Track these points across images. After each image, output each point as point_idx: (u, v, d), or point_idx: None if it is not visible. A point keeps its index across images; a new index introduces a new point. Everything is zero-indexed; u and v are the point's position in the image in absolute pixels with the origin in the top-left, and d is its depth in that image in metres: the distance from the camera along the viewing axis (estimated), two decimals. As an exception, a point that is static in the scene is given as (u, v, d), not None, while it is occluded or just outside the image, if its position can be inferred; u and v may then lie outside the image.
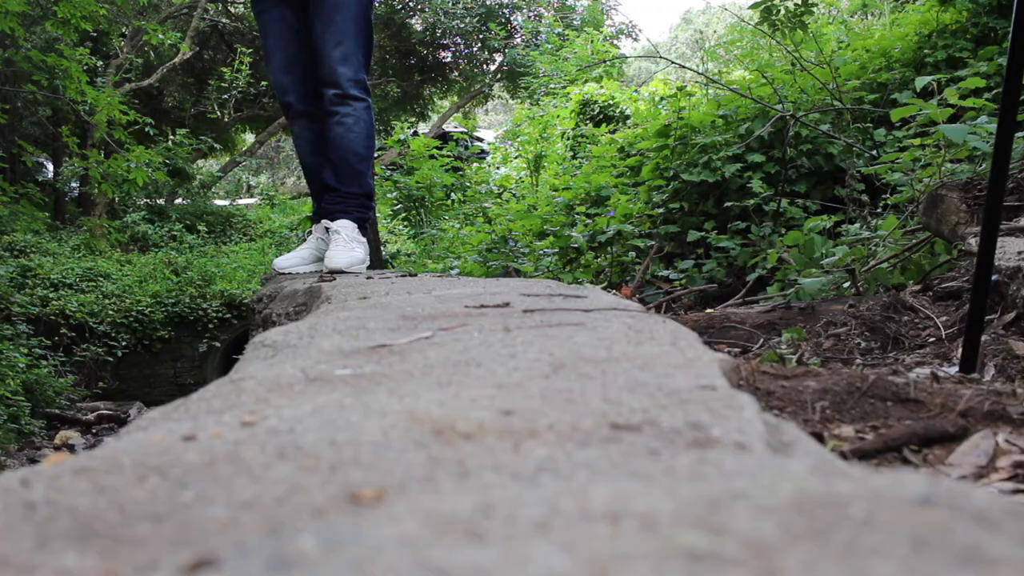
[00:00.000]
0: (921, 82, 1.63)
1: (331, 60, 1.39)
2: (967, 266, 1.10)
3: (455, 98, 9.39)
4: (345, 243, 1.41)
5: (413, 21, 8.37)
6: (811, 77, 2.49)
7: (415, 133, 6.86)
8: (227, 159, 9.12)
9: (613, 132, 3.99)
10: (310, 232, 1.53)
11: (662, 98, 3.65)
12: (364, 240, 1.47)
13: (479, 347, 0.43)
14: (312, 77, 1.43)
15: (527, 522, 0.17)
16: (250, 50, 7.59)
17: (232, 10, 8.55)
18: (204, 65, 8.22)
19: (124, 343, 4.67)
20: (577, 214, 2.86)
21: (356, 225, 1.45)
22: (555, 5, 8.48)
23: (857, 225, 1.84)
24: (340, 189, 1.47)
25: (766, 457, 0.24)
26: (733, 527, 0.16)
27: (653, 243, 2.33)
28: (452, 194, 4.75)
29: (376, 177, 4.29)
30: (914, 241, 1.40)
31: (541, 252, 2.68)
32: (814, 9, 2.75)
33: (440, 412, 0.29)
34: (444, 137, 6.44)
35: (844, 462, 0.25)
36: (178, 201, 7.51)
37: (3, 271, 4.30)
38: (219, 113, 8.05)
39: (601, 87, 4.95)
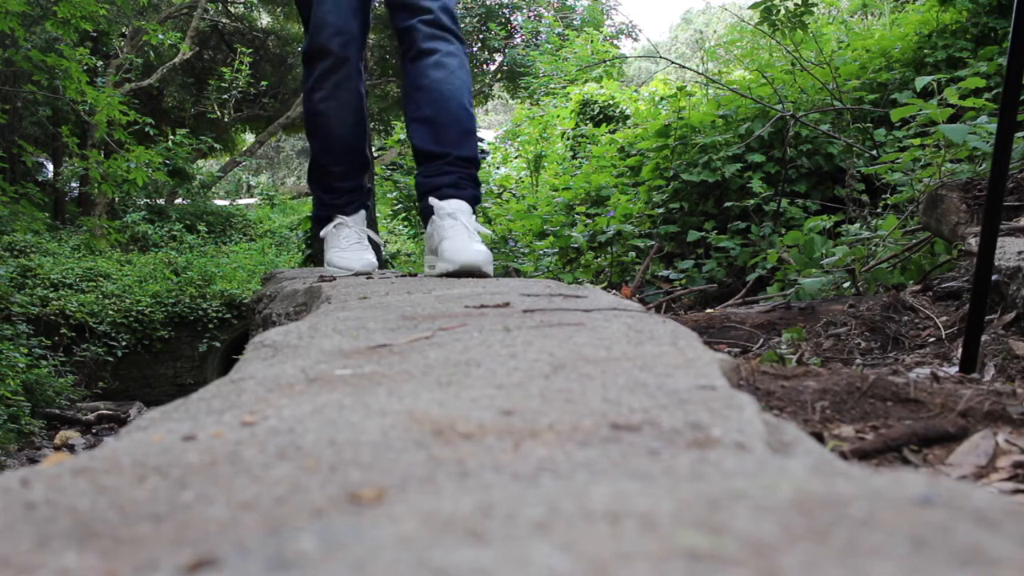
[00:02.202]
0: (921, 82, 1.63)
1: None
2: (967, 266, 1.10)
3: (454, 98, 9.34)
4: (470, 233, 0.97)
5: (413, 21, 8.35)
6: (811, 77, 2.49)
7: (415, 133, 6.82)
8: (227, 159, 9.13)
9: (613, 132, 4.00)
10: (339, 225, 1.11)
11: (662, 98, 3.65)
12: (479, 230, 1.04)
13: (479, 347, 0.43)
14: (365, 32, 1.07)
15: (527, 522, 0.17)
16: (250, 50, 7.60)
17: (232, 10, 8.55)
18: (204, 65, 8.22)
19: (124, 343, 4.68)
20: (577, 214, 2.87)
21: (472, 209, 1.02)
22: (555, 5, 8.48)
23: (857, 225, 1.84)
24: (449, 154, 1.03)
25: (766, 457, 0.24)
26: (733, 527, 0.16)
27: (653, 243, 2.33)
28: (452, 194, 4.74)
29: (376, 177, 4.28)
30: (914, 241, 1.40)
31: (541, 252, 2.68)
32: (814, 9, 2.75)
33: (440, 412, 0.29)
34: (444, 137, 6.41)
35: (844, 462, 0.25)
36: (178, 201, 7.51)
37: (3, 271, 4.30)
38: (219, 113, 8.06)
39: (601, 87, 4.95)
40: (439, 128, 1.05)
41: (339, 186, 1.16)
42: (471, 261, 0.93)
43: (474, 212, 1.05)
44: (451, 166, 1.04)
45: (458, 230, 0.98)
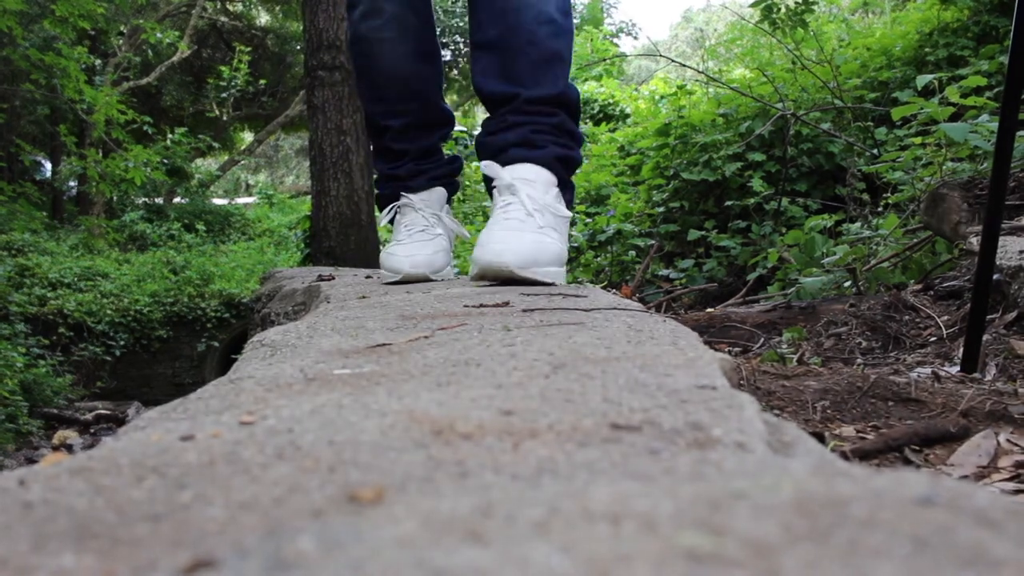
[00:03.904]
0: (922, 80, 1.63)
1: None
2: (968, 265, 1.10)
3: (455, 96, 9.39)
4: (525, 216, 0.66)
5: (412, 19, 8.34)
6: (812, 75, 2.49)
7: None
8: (226, 158, 9.12)
9: (613, 131, 4.00)
10: (403, 207, 0.78)
11: (662, 96, 3.65)
12: (567, 215, 0.70)
13: (479, 347, 0.43)
14: None
15: (527, 523, 0.17)
16: (248, 48, 7.58)
17: (230, 8, 8.54)
18: (202, 64, 8.21)
19: (122, 342, 4.68)
20: (577, 213, 2.87)
21: (555, 179, 0.70)
22: (555, 3, 8.44)
23: (858, 224, 1.84)
24: (517, 95, 0.70)
25: (767, 457, 0.24)
26: (734, 527, 0.16)
27: (653, 242, 2.33)
28: (452, 193, 4.73)
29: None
30: (915, 240, 1.40)
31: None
32: (815, 7, 2.75)
33: (439, 412, 0.29)
34: (444, 136, 6.40)
35: (845, 462, 0.24)
36: (176, 200, 7.51)
37: (1, 270, 4.30)
38: (218, 112, 8.05)
39: (601, 85, 4.95)
40: (507, 56, 0.69)
41: (397, 148, 0.80)
42: (492, 262, 0.63)
43: (564, 183, 0.69)
44: (519, 114, 0.69)
45: (514, 212, 0.65)
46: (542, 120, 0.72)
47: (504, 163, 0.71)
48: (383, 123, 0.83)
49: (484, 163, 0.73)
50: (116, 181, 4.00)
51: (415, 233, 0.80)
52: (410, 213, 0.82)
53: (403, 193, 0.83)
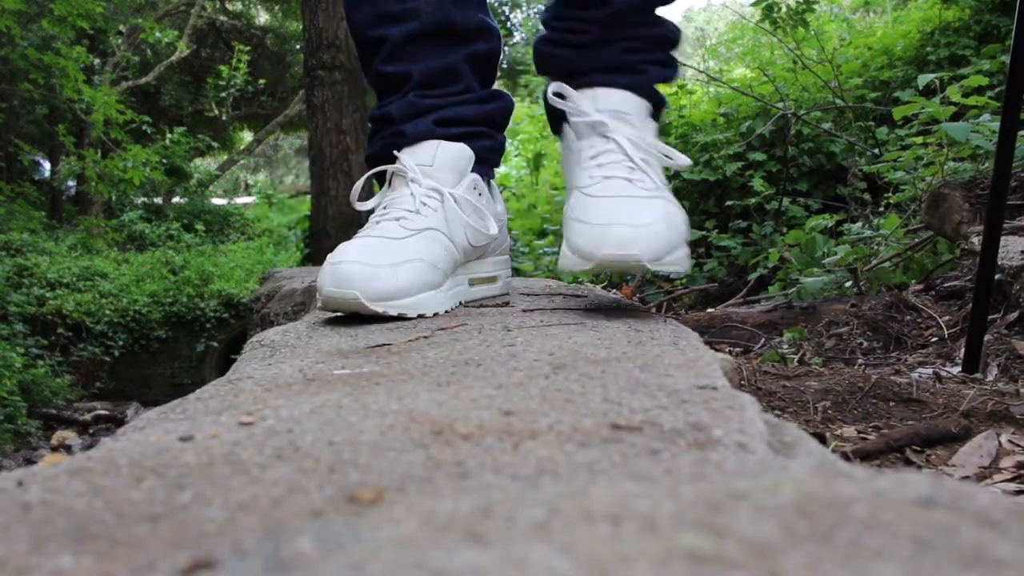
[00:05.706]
0: (923, 80, 1.63)
1: None
2: (970, 265, 1.10)
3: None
4: (629, 172, 0.44)
5: (412, 19, 8.33)
6: (812, 75, 2.49)
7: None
8: (225, 157, 9.11)
9: (613, 131, 3.97)
10: (393, 180, 0.47)
11: (662, 96, 3.63)
12: (682, 160, 0.47)
13: (478, 347, 0.42)
14: None
15: (527, 523, 0.17)
16: (248, 48, 7.59)
17: (230, 7, 8.54)
18: (202, 63, 8.21)
19: (121, 343, 4.67)
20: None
21: (651, 107, 0.48)
22: (555, 3, 8.45)
23: (859, 224, 1.84)
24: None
25: (768, 458, 0.24)
26: (735, 528, 0.16)
27: (653, 242, 2.32)
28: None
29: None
30: (916, 240, 1.40)
31: (541, 251, 2.68)
32: (815, 6, 2.75)
33: (439, 412, 0.29)
34: (444, 136, 6.39)
35: (846, 463, 0.24)
36: (175, 200, 7.50)
37: None
38: (217, 111, 8.04)
39: (601, 85, 4.92)
40: None
41: (392, 71, 0.50)
42: (616, 256, 0.42)
43: (657, 117, 0.47)
44: (607, 27, 0.46)
45: (602, 171, 0.44)
46: (642, 32, 0.46)
47: (578, 87, 0.46)
48: (371, 34, 0.50)
49: (554, 84, 0.46)
50: (115, 181, 4.00)
51: (384, 222, 0.46)
52: (399, 186, 0.47)
53: (396, 151, 0.49)
